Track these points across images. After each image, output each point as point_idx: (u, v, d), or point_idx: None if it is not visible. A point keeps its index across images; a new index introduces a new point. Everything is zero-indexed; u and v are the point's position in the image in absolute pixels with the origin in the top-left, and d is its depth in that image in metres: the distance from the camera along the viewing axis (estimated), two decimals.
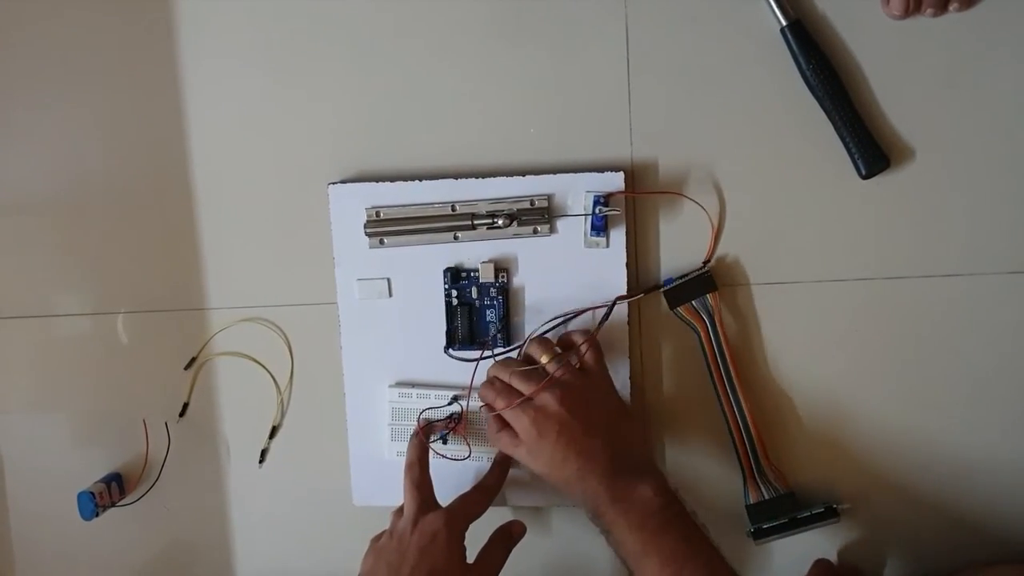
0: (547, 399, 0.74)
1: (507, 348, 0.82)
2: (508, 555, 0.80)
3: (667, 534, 0.71)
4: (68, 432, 0.95)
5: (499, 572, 0.80)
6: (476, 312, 0.83)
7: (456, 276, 0.83)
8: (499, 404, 0.76)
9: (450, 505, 0.79)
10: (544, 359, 0.77)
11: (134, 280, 0.91)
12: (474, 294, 0.83)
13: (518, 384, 0.76)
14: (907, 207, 0.80)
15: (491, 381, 0.78)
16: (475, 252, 0.82)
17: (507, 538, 0.81)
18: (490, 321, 0.83)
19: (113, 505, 0.91)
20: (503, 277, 0.82)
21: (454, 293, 0.83)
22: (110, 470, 0.94)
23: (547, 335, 0.80)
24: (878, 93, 0.79)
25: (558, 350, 0.78)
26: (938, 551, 0.84)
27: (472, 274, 0.82)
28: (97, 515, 0.89)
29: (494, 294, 0.82)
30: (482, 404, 0.79)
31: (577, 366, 0.77)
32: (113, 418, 0.93)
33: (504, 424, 0.77)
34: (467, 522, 0.78)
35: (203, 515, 0.94)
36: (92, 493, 0.88)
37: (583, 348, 0.77)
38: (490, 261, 0.82)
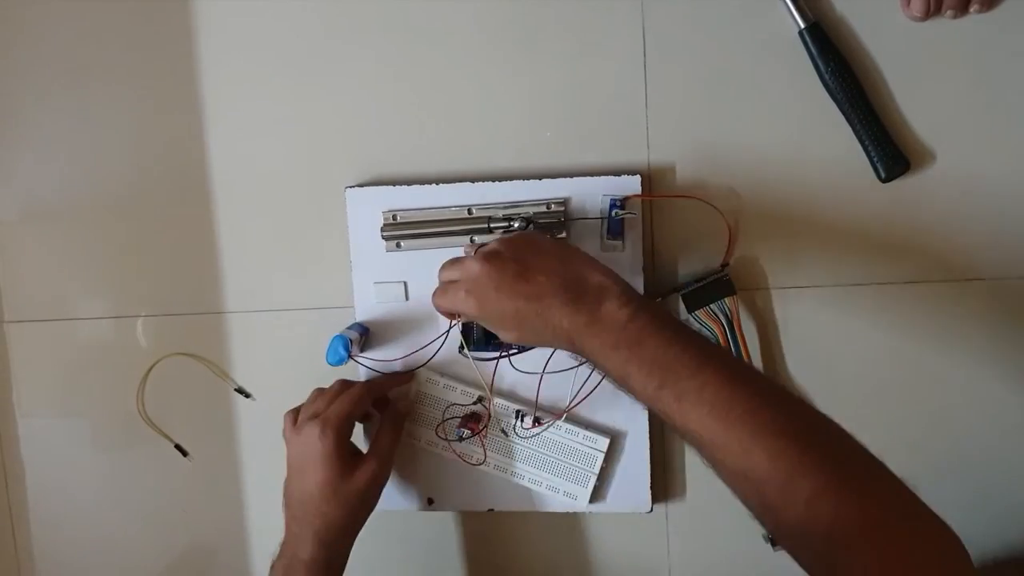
0: (471, 266, 0.71)
1: (521, 351, 0.82)
2: (400, 434, 0.84)
3: (643, 345, 0.65)
4: (89, 436, 0.95)
5: (394, 452, 0.82)
6: None
7: None
8: (436, 295, 0.75)
9: (327, 413, 0.79)
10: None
11: (153, 284, 0.91)
12: None
13: (448, 272, 0.74)
14: (927, 210, 0.79)
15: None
16: None
17: (396, 417, 0.83)
18: None
19: (357, 356, 0.84)
20: None
21: None
22: (133, 475, 0.94)
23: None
24: (897, 96, 0.78)
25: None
26: None
27: None
28: (344, 363, 0.82)
29: None
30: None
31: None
32: (134, 422, 0.93)
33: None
34: (342, 421, 0.78)
35: (220, 518, 0.94)
36: (349, 339, 0.82)
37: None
38: None
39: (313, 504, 0.77)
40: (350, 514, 0.79)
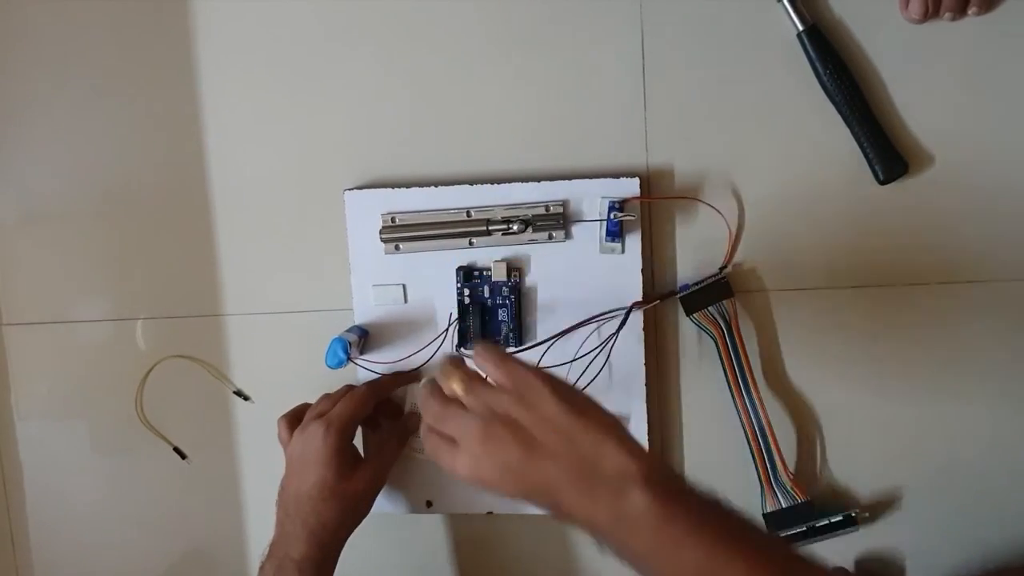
0: (469, 430, 0.60)
1: (519, 348, 0.82)
2: (403, 447, 0.84)
3: (681, 549, 0.55)
4: (87, 439, 0.95)
5: (393, 462, 0.83)
6: (488, 311, 0.83)
7: (469, 275, 0.82)
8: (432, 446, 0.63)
9: (332, 413, 0.79)
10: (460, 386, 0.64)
11: (152, 287, 0.91)
12: (486, 293, 0.82)
13: (441, 422, 0.63)
14: (926, 212, 0.79)
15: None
16: (490, 257, 0.82)
17: (403, 431, 0.83)
18: (502, 320, 0.83)
19: (356, 359, 0.83)
20: (516, 277, 0.82)
21: (466, 292, 0.83)
22: (131, 479, 0.94)
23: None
24: (896, 98, 0.78)
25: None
26: (958, 559, 0.83)
27: (485, 273, 0.82)
28: (343, 365, 0.81)
29: (506, 293, 0.82)
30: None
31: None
32: (132, 426, 0.93)
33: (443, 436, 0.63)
34: (346, 423, 0.79)
35: (219, 521, 0.94)
36: (348, 342, 0.81)
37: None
38: (503, 260, 0.82)
39: (310, 503, 0.77)
40: (345, 516, 0.79)
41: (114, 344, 0.93)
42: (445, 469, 0.62)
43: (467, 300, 0.83)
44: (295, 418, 0.82)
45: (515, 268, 0.82)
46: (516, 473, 0.59)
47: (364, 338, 0.84)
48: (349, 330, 0.84)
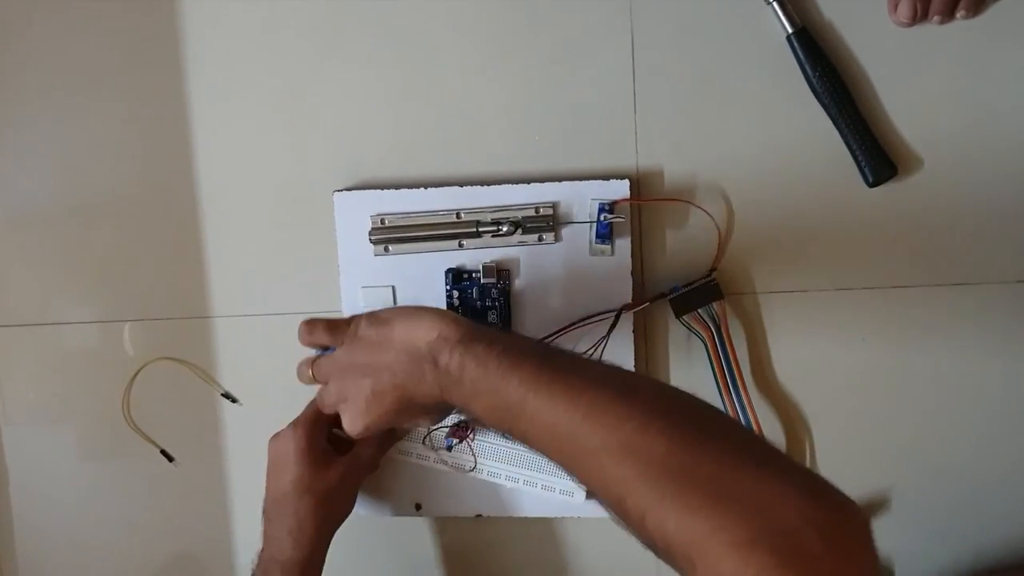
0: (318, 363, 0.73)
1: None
2: (385, 450, 0.83)
3: (509, 380, 0.59)
4: (74, 443, 0.94)
5: (373, 459, 0.82)
6: (478, 313, 0.83)
7: (458, 277, 0.82)
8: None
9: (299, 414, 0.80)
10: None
11: (139, 289, 0.91)
12: (476, 295, 0.82)
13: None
14: (915, 215, 0.79)
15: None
16: (480, 259, 0.82)
17: (387, 435, 0.83)
18: (492, 322, 0.82)
19: None
20: (505, 278, 0.82)
21: (455, 294, 0.82)
22: (118, 483, 0.94)
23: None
24: (885, 100, 0.78)
25: None
26: (947, 561, 0.83)
27: (474, 275, 0.82)
28: None
29: (496, 295, 0.82)
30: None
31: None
32: (119, 429, 0.92)
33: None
34: (311, 419, 0.79)
35: (206, 531, 0.93)
36: (335, 348, 0.79)
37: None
38: (492, 262, 0.81)
39: (287, 503, 0.77)
40: (322, 512, 0.78)
41: (101, 347, 0.92)
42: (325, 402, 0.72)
43: (456, 302, 0.83)
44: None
45: (504, 270, 0.82)
46: (375, 398, 0.67)
47: None
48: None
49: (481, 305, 0.82)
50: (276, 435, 0.79)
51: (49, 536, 0.96)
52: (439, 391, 0.64)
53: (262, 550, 0.79)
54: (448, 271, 0.82)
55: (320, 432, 0.79)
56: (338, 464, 0.79)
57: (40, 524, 0.96)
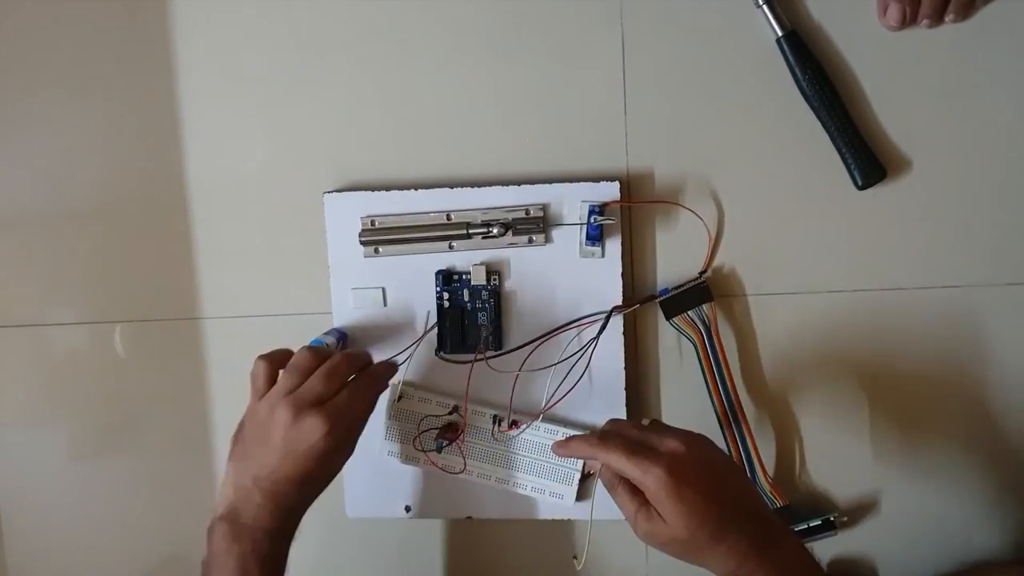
0: (675, 445, 0.67)
1: (499, 352, 0.82)
2: (371, 401, 0.76)
3: None
4: (64, 445, 0.94)
5: (354, 412, 0.75)
6: (468, 315, 0.83)
7: (448, 279, 0.82)
8: (615, 454, 0.68)
9: (334, 406, 0.72)
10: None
11: (129, 290, 0.90)
12: (466, 297, 0.82)
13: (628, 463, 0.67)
14: (904, 218, 0.80)
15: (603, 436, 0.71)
16: (470, 260, 0.82)
17: (370, 379, 0.77)
18: (482, 324, 0.82)
19: None
20: (495, 280, 0.82)
21: (446, 296, 0.82)
22: (108, 485, 0.93)
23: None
24: (874, 103, 0.79)
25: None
26: (935, 564, 0.83)
27: (464, 277, 0.82)
28: None
29: (486, 297, 0.82)
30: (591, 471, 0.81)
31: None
32: (109, 430, 0.92)
33: (623, 482, 0.69)
34: (354, 427, 0.75)
35: (195, 532, 0.92)
36: (325, 344, 0.80)
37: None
38: (482, 264, 0.82)
39: (293, 485, 0.73)
40: (313, 498, 0.76)
41: (91, 348, 0.92)
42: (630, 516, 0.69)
43: (446, 304, 0.83)
44: (277, 364, 0.76)
45: (494, 271, 0.82)
46: (693, 513, 0.65)
47: (343, 340, 0.84)
48: (327, 332, 0.83)
49: (471, 306, 0.82)
50: (300, 417, 0.71)
51: (38, 537, 0.96)
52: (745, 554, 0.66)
53: (240, 509, 0.74)
54: (438, 272, 0.82)
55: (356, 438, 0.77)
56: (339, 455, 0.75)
57: (28, 525, 0.96)
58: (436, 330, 0.83)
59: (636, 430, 0.70)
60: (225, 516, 0.74)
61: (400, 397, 0.84)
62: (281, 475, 0.72)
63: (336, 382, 0.74)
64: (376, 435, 0.85)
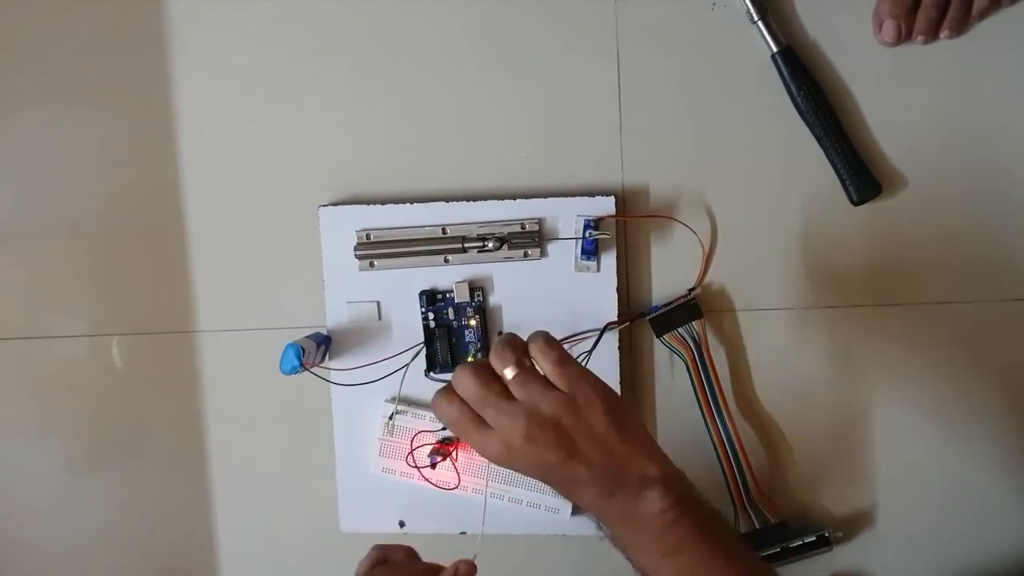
0: (507, 421, 0.62)
1: None
2: None
3: (680, 555, 0.61)
4: (60, 457, 0.94)
5: None
6: (455, 333, 0.83)
7: (432, 299, 0.82)
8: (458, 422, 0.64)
9: None
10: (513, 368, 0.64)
11: (124, 303, 0.90)
12: (451, 315, 0.82)
13: (481, 406, 0.63)
14: (899, 234, 0.80)
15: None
16: (463, 275, 0.82)
17: None
18: (469, 341, 0.83)
19: (311, 368, 0.81)
20: (479, 296, 0.82)
21: (431, 316, 0.82)
22: (103, 497, 0.93)
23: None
24: (869, 119, 0.79)
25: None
26: None
27: (448, 295, 0.82)
28: (297, 372, 0.79)
29: (471, 313, 0.82)
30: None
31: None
32: (106, 442, 0.92)
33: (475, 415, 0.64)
34: None
35: (189, 545, 0.93)
36: (302, 348, 0.79)
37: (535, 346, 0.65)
38: (464, 281, 0.82)
39: None
40: None
41: (88, 360, 0.92)
42: (469, 444, 0.64)
43: (432, 324, 0.83)
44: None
45: (477, 288, 0.82)
46: (547, 469, 0.62)
47: (326, 345, 0.84)
48: (308, 336, 0.83)
49: (458, 325, 0.83)
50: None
51: (32, 549, 0.95)
52: (612, 515, 0.63)
53: None
54: (421, 293, 0.82)
55: None
56: None
57: (23, 537, 0.95)
58: (424, 351, 0.83)
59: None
60: None
61: (393, 415, 0.84)
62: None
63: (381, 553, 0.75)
64: (370, 451, 0.85)
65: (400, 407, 0.84)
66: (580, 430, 0.62)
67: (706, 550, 0.61)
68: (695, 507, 0.62)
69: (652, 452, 0.64)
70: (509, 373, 0.63)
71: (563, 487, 0.64)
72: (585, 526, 0.83)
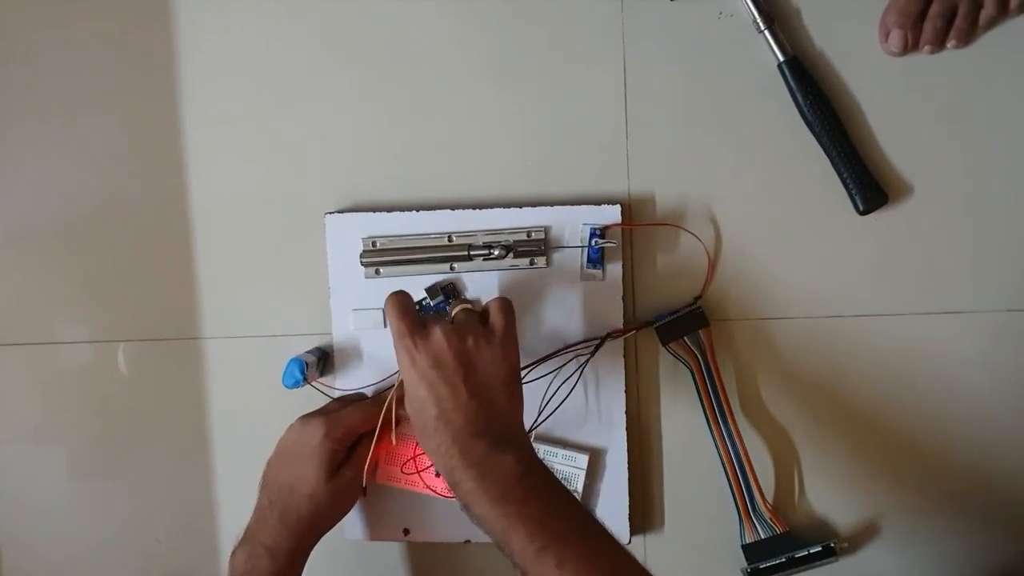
0: (437, 332, 0.70)
1: None
2: (376, 455, 0.81)
3: (532, 505, 0.64)
4: (65, 464, 0.94)
5: (364, 467, 0.80)
6: None
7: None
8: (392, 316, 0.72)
9: (335, 414, 0.80)
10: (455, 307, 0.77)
11: (130, 309, 0.90)
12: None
13: (414, 335, 0.71)
14: (905, 243, 0.80)
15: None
16: (471, 281, 0.82)
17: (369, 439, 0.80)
18: None
19: (313, 381, 0.84)
20: (450, 295, 0.83)
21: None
22: (107, 504, 0.93)
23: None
24: (876, 129, 0.79)
25: (469, 304, 0.78)
26: None
27: (423, 303, 0.83)
28: (300, 386, 0.81)
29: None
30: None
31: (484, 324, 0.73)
32: (110, 449, 0.92)
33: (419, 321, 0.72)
34: (348, 432, 0.79)
35: (194, 550, 0.92)
36: (305, 362, 0.82)
37: (493, 304, 0.74)
38: (435, 284, 0.83)
39: (291, 496, 0.78)
40: (322, 514, 0.79)
41: (94, 367, 0.92)
42: (400, 343, 0.71)
43: None
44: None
45: (447, 285, 0.83)
46: (439, 384, 0.69)
47: (323, 359, 0.85)
48: (309, 351, 0.84)
49: None
50: (306, 422, 0.79)
51: (36, 556, 0.95)
52: (466, 467, 0.67)
53: (250, 527, 0.79)
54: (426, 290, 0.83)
55: (348, 444, 0.80)
56: (345, 474, 0.79)
57: (29, 542, 0.95)
58: None
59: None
60: (240, 540, 0.79)
61: (399, 422, 0.84)
62: (286, 487, 0.78)
63: (343, 403, 0.82)
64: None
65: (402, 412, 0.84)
66: (485, 367, 0.70)
67: (556, 501, 0.66)
68: (548, 471, 0.69)
69: (522, 422, 0.72)
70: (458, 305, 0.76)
71: (437, 418, 0.68)
72: None
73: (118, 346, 0.91)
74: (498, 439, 0.67)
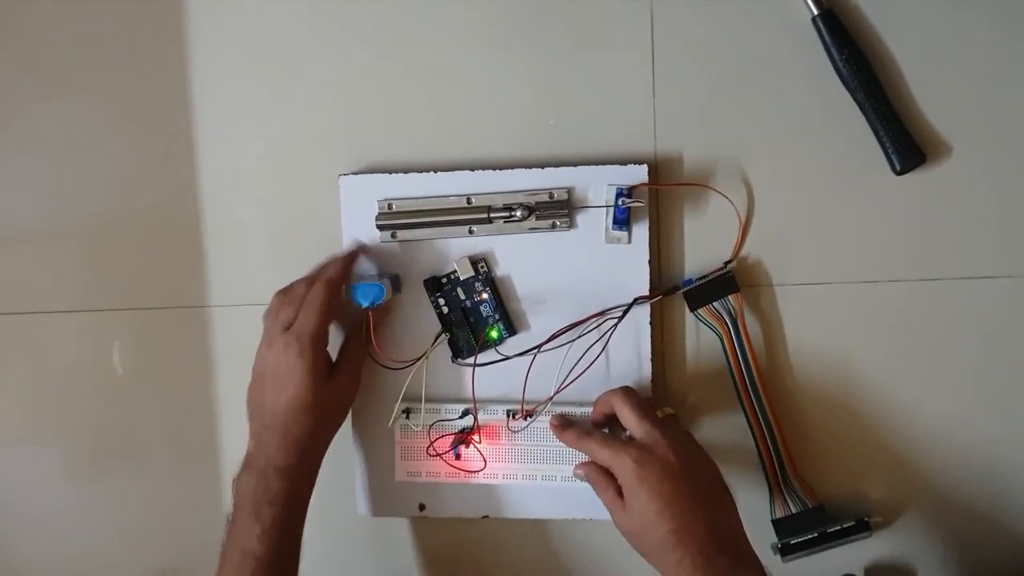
0: (656, 437, 0.70)
1: (513, 334, 0.80)
2: (368, 345, 0.80)
3: None
4: (61, 463, 0.92)
5: (363, 360, 0.81)
6: (471, 312, 0.81)
7: (436, 284, 0.81)
8: (593, 443, 0.73)
9: (297, 326, 0.76)
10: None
11: (136, 276, 0.88)
12: (461, 295, 0.80)
13: (600, 450, 0.73)
14: (943, 205, 0.77)
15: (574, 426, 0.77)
16: (491, 245, 0.80)
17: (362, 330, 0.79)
18: (487, 316, 0.80)
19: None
20: (483, 267, 0.80)
21: (442, 302, 0.81)
22: (105, 503, 0.91)
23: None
24: (913, 85, 0.77)
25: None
26: (975, 567, 0.80)
27: (452, 276, 0.80)
28: (374, 306, 0.78)
29: (479, 288, 0.80)
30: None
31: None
32: (106, 448, 0.91)
33: (597, 468, 0.74)
34: (317, 338, 0.76)
35: (198, 547, 0.90)
36: (382, 286, 0.78)
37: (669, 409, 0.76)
38: (464, 257, 0.80)
39: (290, 415, 0.76)
40: (324, 424, 0.79)
41: (90, 364, 0.90)
42: (594, 486, 0.73)
43: (445, 309, 0.81)
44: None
45: (478, 260, 0.80)
46: (657, 518, 0.68)
47: (396, 282, 0.82)
48: (383, 276, 0.81)
49: (471, 304, 0.80)
50: (271, 345, 0.77)
51: (32, 557, 0.94)
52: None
53: (252, 454, 0.77)
54: (425, 282, 0.81)
55: (325, 346, 0.78)
56: (339, 379, 0.78)
57: (25, 544, 0.94)
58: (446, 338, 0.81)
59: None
60: (242, 466, 0.77)
61: (409, 413, 0.82)
62: (281, 406, 0.76)
63: (297, 306, 0.77)
64: (391, 458, 0.84)
65: (412, 405, 0.82)
66: (704, 477, 0.72)
67: None
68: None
69: (739, 520, 0.72)
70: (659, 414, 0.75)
71: (678, 523, 0.68)
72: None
73: (113, 344, 0.89)
74: (736, 556, 0.68)
